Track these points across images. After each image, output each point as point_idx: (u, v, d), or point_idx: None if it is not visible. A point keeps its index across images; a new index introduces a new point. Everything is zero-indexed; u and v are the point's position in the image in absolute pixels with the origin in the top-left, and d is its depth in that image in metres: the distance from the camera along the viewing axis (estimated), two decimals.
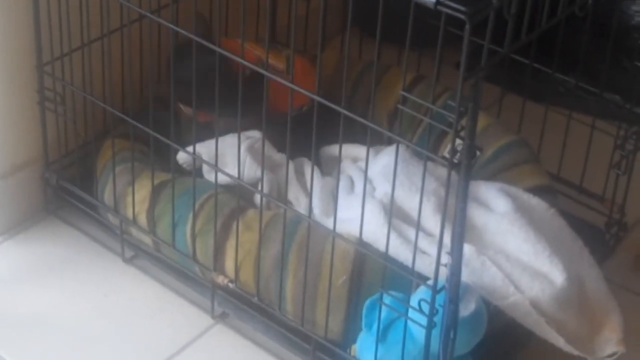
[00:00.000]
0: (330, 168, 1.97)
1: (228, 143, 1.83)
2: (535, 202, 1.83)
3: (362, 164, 1.94)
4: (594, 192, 2.07)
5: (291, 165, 1.84)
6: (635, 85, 1.95)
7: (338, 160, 1.67)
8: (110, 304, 1.89)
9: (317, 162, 1.92)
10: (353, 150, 1.96)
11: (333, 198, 1.82)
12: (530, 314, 1.66)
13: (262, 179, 1.72)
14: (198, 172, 1.87)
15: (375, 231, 1.68)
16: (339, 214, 1.71)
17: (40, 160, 2.02)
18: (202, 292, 1.88)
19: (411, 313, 1.55)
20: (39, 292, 1.91)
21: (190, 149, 1.82)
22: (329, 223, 1.66)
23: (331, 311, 1.70)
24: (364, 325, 1.65)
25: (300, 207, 1.82)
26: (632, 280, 2.01)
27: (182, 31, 1.67)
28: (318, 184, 1.82)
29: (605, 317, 1.75)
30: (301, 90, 1.61)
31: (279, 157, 1.90)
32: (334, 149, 1.96)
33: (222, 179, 1.80)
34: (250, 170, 1.85)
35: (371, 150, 1.90)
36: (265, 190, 1.81)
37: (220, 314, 1.87)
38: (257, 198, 1.85)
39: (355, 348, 1.69)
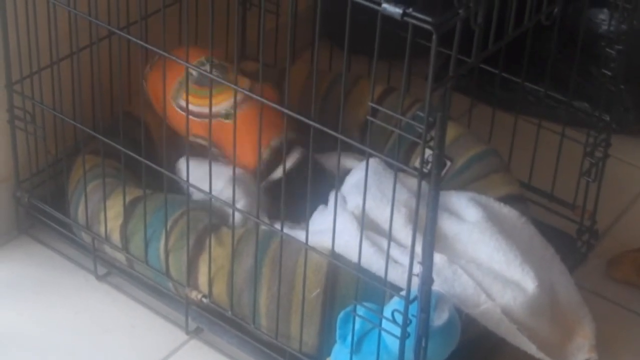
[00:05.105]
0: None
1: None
2: (506, 211, 1.84)
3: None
4: (564, 200, 2.08)
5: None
6: (603, 93, 1.96)
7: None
8: (82, 322, 1.88)
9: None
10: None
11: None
12: (503, 322, 1.66)
13: (233, 193, 1.72)
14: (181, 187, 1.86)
15: (349, 242, 1.68)
16: (312, 227, 1.71)
17: (11, 179, 2.02)
18: (175, 308, 1.87)
19: (385, 324, 1.56)
20: (10, 312, 1.90)
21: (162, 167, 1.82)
22: (301, 235, 1.67)
23: (305, 324, 1.70)
24: (338, 337, 1.65)
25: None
26: (604, 287, 2.02)
27: (151, 47, 1.67)
28: None
29: (578, 324, 1.76)
30: (272, 104, 1.61)
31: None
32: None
33: (198, 194, 1.80)
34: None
35: (347, 161, 1.90)
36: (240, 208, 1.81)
37: (194, 329, 1.87)
38: (231, 218, 1.84)
39: None
